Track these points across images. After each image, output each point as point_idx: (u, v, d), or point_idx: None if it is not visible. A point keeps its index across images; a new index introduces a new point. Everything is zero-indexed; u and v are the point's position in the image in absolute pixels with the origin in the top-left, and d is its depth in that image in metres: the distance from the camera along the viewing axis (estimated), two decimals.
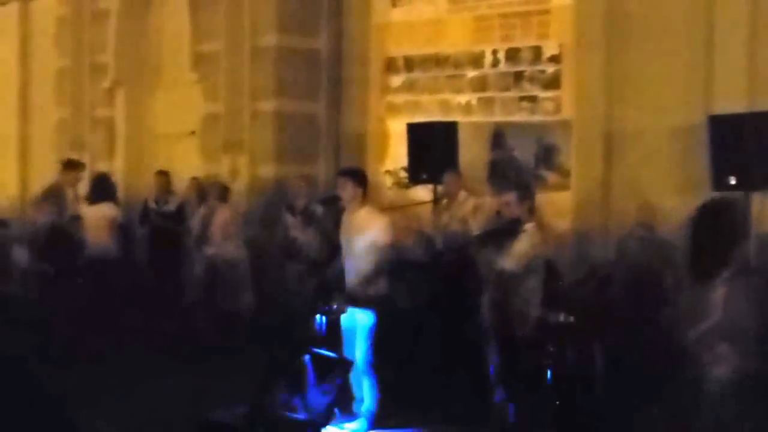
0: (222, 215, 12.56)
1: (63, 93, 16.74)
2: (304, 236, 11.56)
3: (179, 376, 10.52)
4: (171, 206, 13.85)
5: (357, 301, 8.91)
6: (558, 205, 11.39)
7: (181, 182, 14.05)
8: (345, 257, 9.10)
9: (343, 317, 8.96)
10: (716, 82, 10.45)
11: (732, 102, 9.94)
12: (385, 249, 8.95)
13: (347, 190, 9.06)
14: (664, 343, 9.27)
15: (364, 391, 8.99)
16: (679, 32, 10.80)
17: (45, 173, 16.53)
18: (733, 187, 9.43)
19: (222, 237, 12.41)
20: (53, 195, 12.55)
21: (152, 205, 13.96)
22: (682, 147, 10.59)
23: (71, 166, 13.32)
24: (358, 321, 8.95)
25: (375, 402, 9.00)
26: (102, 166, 15.41)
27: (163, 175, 13.96)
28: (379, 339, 9.03)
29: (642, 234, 10.51)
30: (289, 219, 12.05)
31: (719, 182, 9.46)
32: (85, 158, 15.28)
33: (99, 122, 16.09)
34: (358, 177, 9.24)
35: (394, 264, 9.24)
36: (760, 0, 10.28)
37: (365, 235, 8.92)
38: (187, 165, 14.55)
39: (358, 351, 8.86)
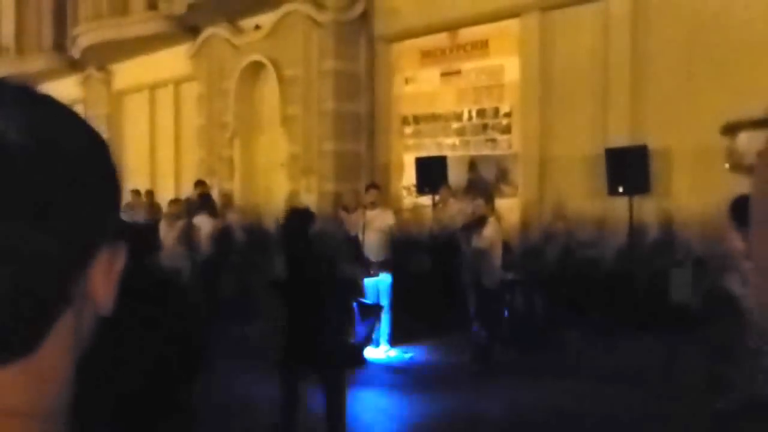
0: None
1: (202, 140, 16.84)
2: (354, 229, 11.60)
3: None
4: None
5: (381, 266, 9.10)
6: (510, 207, 11.44)
7: (279, 197, 13.98)
8: (365, 240, 9.15)
9: (368, 280, 8.96)
10: (609, 124, 10.46)
11: (619, 138, 9.98)
12: (394, 231, 9.32)
13: (374, 196, 9.44)
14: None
15: (384, 324, 9.05)
16: (584, 92, 10.84)
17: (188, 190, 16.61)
18: (621, 194, 9.45)
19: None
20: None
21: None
22: (587, 168, 10.61)
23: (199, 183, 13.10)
24: (381, 280, 9.06)
25: (390, 329, 9.17)
26: (226, 186, 15.48)
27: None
28: (397, 291, 9.15)
29: (560, 225, 10.61)
30: (346, 216, 12.02)
31: (613, 191, 9.49)
32: (215, 182, 15.37)
33: (224, 159, 16.18)
34: (379, 188, 9.96)
35: (406, 243, 9.44)
36: (641, 62, 10.27)
37: (381, 223, 9.17)
38: (279, 185, 14.62)
39: (383, 300, 8.91)
